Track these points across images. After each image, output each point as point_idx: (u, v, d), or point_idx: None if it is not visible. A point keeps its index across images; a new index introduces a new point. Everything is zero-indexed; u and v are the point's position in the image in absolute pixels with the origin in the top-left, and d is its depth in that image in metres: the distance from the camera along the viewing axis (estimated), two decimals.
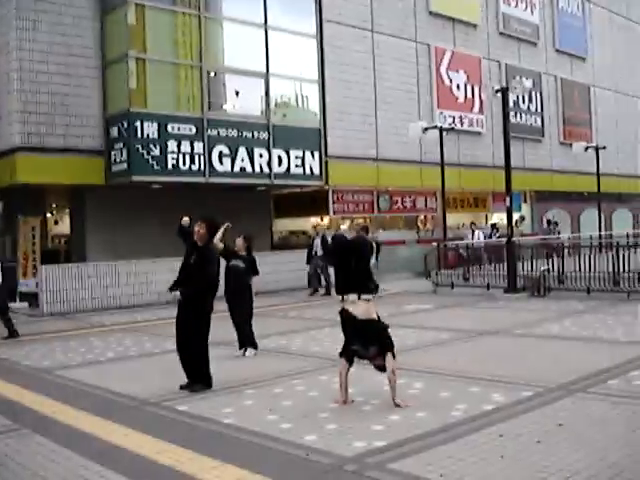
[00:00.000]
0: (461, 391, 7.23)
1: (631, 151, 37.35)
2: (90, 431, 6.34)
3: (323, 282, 19.61)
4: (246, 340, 10.13)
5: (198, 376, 7.88)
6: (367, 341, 6.81)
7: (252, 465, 5.19)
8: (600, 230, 28.38)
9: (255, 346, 10.17)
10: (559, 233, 27.90)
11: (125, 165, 18.24)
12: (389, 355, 6.76)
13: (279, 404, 7.02)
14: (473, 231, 23.24)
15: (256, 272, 10.34)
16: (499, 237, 22.98)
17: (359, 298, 6.83)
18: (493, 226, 25.34)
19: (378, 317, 6.95)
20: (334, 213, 24.38)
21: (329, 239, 18.20)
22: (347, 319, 6.90)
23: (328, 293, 18.68)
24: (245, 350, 10.10)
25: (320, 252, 19.28)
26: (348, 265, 6.97)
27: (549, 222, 30.04)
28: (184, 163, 18.82)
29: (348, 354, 6.92)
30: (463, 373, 8.13)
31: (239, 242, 10.29)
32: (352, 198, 24.76)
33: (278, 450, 5.56)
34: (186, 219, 8.22)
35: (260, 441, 5.81)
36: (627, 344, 9.75)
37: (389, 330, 6.93)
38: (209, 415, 6.71)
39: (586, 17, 35.62)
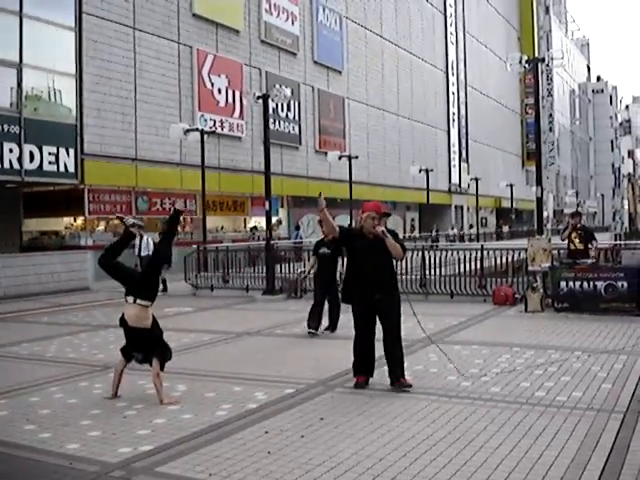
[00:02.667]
0: (225, 391, 7.31)
1: (380, 161, 39.94)
2: None
3: None
4: None
5: None
6: (135, 347, 6.99)
7: None
8: None
9: None
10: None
11: None
12: (155, 360, 6.88)
13: (37, 413, 6.64)
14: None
15: None
16: None
17: (134, 302, 6.95)
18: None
19: (156, 324, 7.11)
20: (90, 213, 23.53)
21: None
22: (122, 321, 7.03)
23: None
24: None
25: None
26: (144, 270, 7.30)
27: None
28: None
29: (125, 353, 7.06)
30: (226, 374, 8.24)
31: None
32: (109, 198, 24.04)
33: (39, 461, 5.26)
34: None
35: (18, 453, 5.46)
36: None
37: (164, 336, 7.15)
38: None
39: (343, 32, 37.58)
